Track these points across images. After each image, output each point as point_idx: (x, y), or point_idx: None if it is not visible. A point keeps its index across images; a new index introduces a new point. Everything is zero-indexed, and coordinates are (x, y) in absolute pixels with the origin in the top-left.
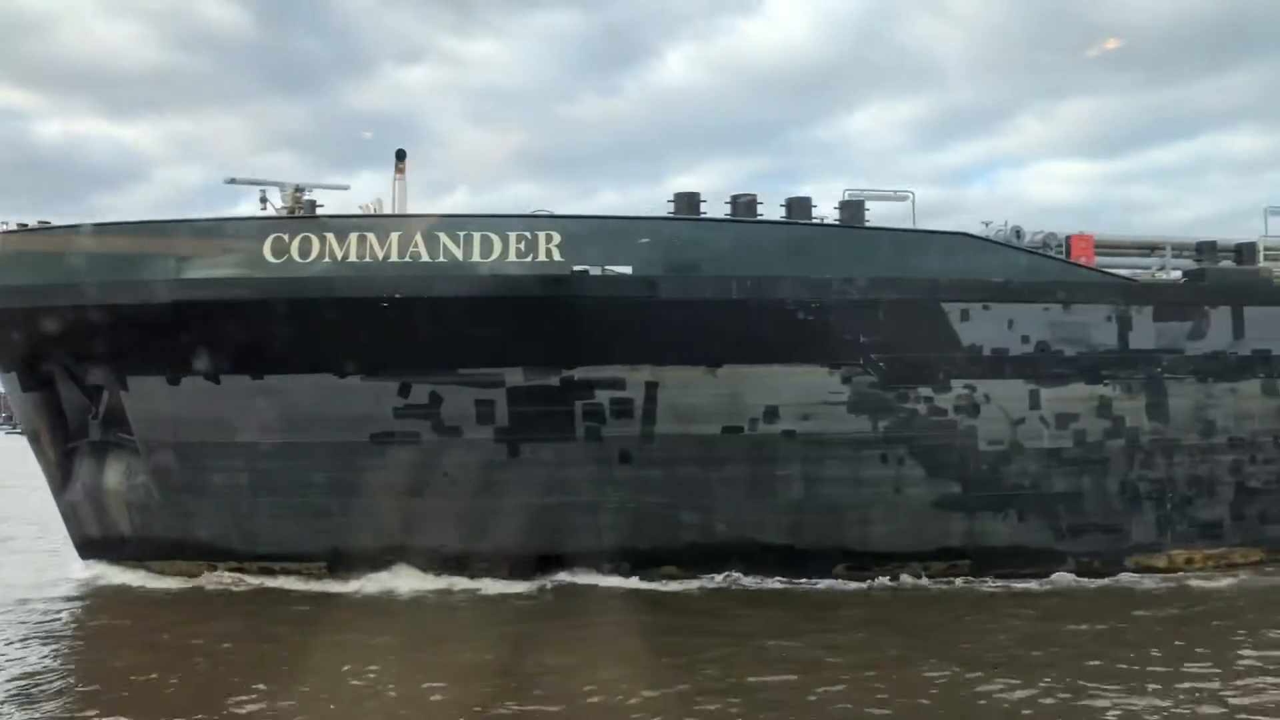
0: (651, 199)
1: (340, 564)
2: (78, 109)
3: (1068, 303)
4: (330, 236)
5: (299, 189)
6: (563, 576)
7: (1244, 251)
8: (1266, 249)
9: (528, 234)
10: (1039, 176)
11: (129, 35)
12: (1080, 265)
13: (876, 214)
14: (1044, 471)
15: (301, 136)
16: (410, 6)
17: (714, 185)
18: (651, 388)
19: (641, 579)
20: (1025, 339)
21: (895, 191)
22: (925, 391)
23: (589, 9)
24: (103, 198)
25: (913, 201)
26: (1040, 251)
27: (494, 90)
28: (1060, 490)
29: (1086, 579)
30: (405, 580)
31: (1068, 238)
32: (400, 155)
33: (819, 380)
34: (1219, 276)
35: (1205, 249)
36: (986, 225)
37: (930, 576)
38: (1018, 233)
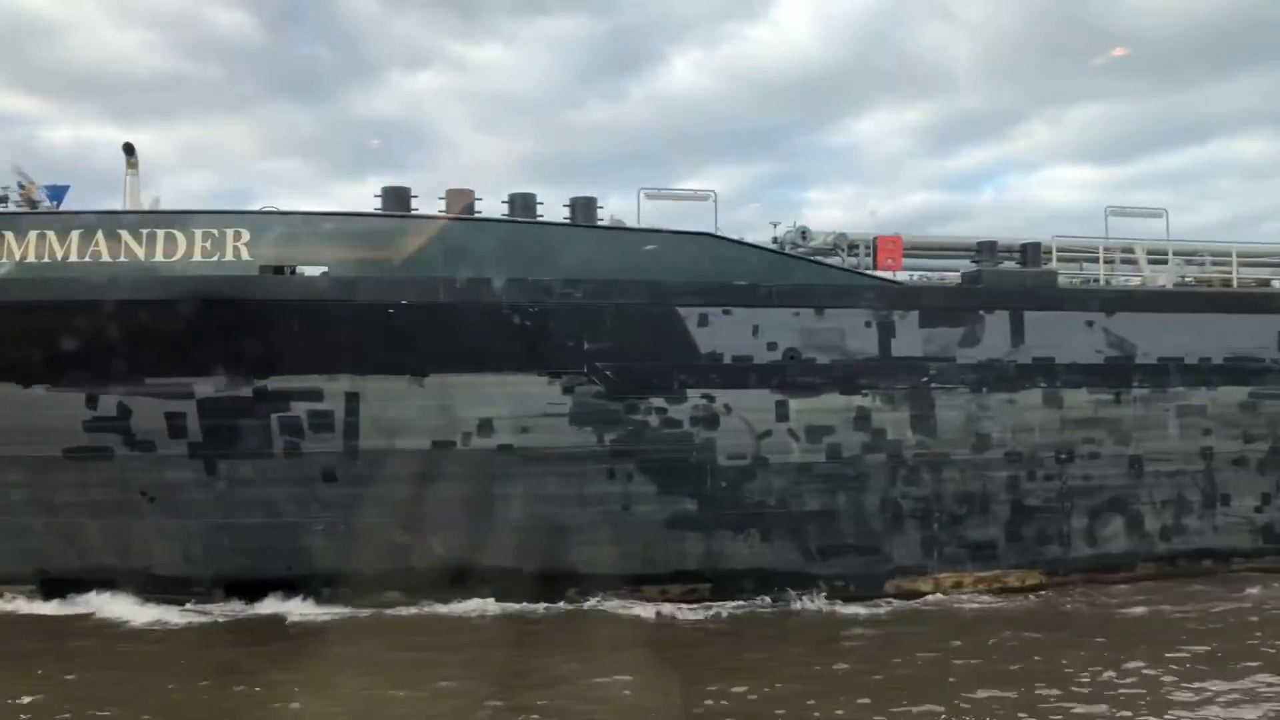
0: (658, 205)
1: (49, 587)
2: (86, 115)
3: (821, 307)
4: (9, 235)
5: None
6: (278, 604)
7: (1028, 252)
8: (1060, 250)
9: (214, 231)
10: (1047, 182)
11: (137, 42)
12: (839, 269)
13: (676, 214)
14: (792, 488)
15: (309, 142)
16: (417, 12)
17: (721, 191)
18: (352, 399)
19: (359, 606)
20: (773, 346)
21: (695, 191)
22: (657, 402)
23: (595, 15)
24: (111, 203)
25: (715, 201)
26: (792, 253)
27: (501, 96)
28: (811, 509)
29: (841, 603)
30: (120, 605)
31: (875, 239)
32: (128, 149)
33: (538, 390)
34: (996, 279)
35: (985, 249)
36: (775, 226)
37: (670, 601)
38: (804, 234)
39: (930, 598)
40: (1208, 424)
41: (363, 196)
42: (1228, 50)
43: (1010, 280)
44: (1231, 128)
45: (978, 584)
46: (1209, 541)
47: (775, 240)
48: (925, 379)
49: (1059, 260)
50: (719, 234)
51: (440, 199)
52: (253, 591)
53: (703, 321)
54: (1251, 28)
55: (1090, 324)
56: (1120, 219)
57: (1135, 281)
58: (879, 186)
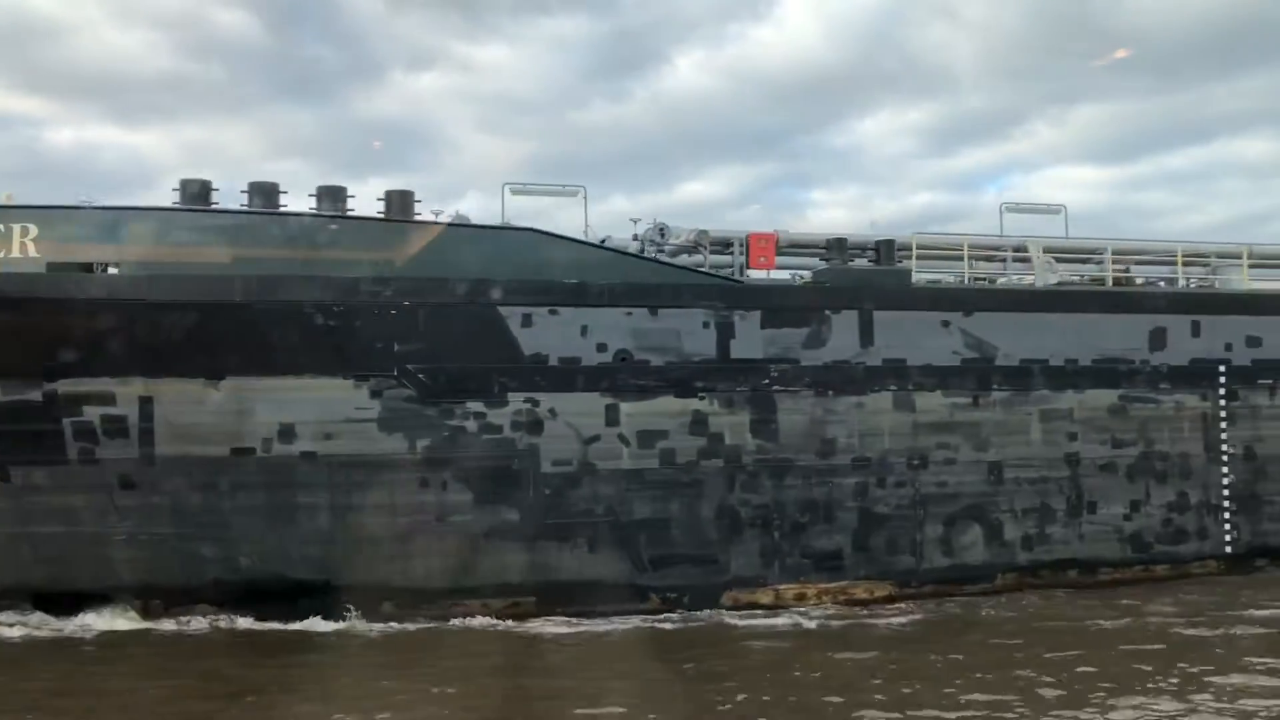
0: (662, 205)
1: None
2: (89, 116)
3: (656, 307)
4: None
5: None
6: (89, 618)
7: (882, 250)
8: (920, 248)
9: (0, 226)
10: (1050, 182)
11: (140, 43)
12: (681, 267)
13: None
14: (622, 496)
15: (312, 143)
16: (420, 13)
17: (724, 191)
18: (146, 403)
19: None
20: (602, 347)
21: (564, 185)
22: (476, 406)
23: (598, 15)
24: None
25: (584, 196)
26: (630, 251)
27: (504, 96)
28: (642, 517)
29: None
30: None
31: (748, 236)
32: None
33: (343, 394)
34: (842, 277)
35: (834, 246)
36: (635, 223)
37: (495, 616)
38: (662, 231)
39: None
40: (1074, 428)
41: (367, 198)
42: (1231, 50)
43: (860, 279)
44: (1235, 128)
45: (822, 595)
46: (1074, 551)
47: (636, 238)
48: (767, 381)
49: (972, 258)
50: (541, 229)
51: (242, 191)
52: (60, 604)
53: (526, 321)
54: (1255, 27)
55: (946, 324)
56: (1017, 215)
57: (1029, 280)
58: (882, 187)
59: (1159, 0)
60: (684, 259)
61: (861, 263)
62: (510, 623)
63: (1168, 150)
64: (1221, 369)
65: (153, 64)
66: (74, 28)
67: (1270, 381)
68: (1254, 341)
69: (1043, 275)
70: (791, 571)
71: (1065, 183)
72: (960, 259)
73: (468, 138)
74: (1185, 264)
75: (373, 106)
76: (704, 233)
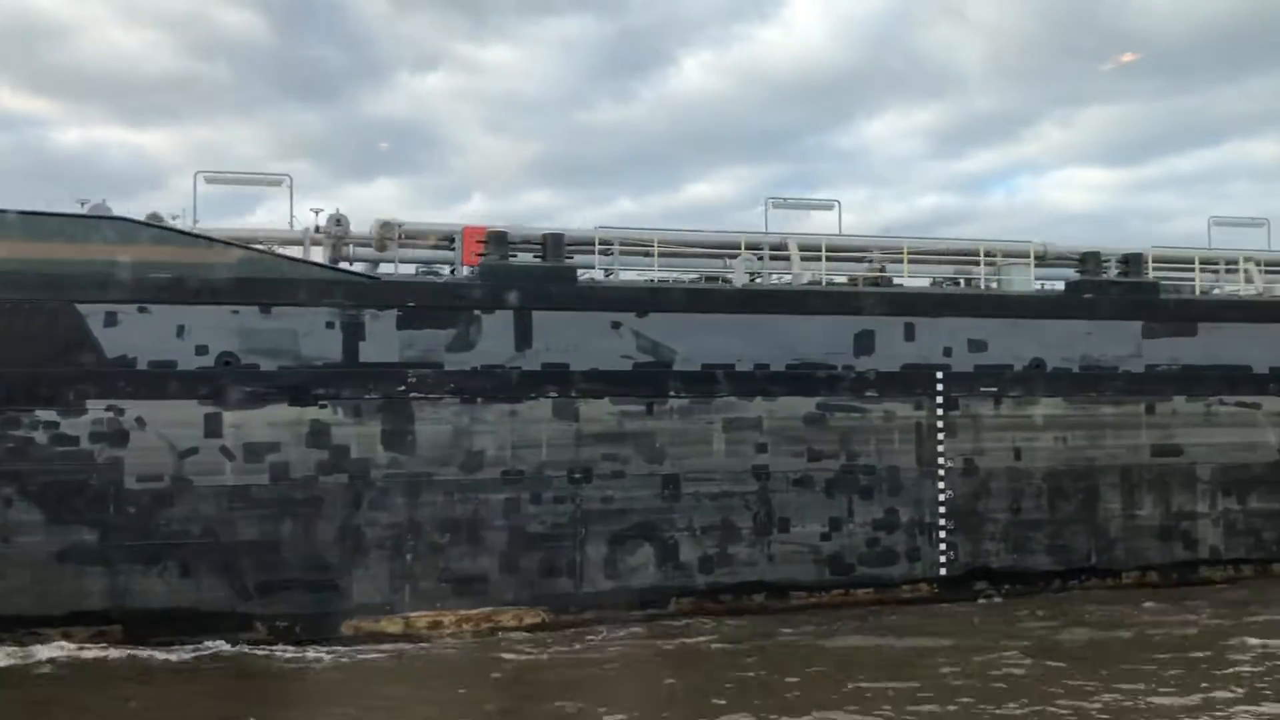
0: (667, 207)
1: None
2: (96, 116)
3: (269, 304)
4: None
5: None
6: None
7: (549, 245)
8: (570, 243)
9: None
10: (1058, 184)
11: (146, 42)
12: (308, 262)
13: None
14: (224, 515)
15: (318, 143)
16: (426, 13)
17: (730, 192)
18: None
19: None
20: (203, 349)
21: (267, 175)
22: (47, 415)
23: (605, 16)
24: (121, 205)
25: (290, 185)
26: (249, 245)
27: (510, 97)
28: (247, 538)
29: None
30: None
31: (463, 230)
32: None
33: None
34: (503, 275)
35: (493, 241)
36: (316, 214)
37: (78, 644)
38: (338, 222)
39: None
40: (763, 439)
41: (372, 199)
42: (1241, 51)
43: (518, 276)
44: (1245, 129)
45: (462, 623)
46: (761, 573)
47: (319, 230)
48: (403, 388)
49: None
50: (135, 219)
51: None
52: None
53: (111, 320)
54: (1265, 29)
55: (617, 326)
56: (783, 211)
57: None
58: (889, 188)
59: (1168, 2)
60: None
61: (526, 260)
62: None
63: (1177, 152)
64: (939, 375)
65: (159, 64)
66: (80, 28)
67: (995, 389)
68: (978, 345)
69: (797, 275)
70: (426, 597)
71: (1073, 185)
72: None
73: (473, 138)
74: (963, 263)
75: (379, 107)
76: (390, 225)
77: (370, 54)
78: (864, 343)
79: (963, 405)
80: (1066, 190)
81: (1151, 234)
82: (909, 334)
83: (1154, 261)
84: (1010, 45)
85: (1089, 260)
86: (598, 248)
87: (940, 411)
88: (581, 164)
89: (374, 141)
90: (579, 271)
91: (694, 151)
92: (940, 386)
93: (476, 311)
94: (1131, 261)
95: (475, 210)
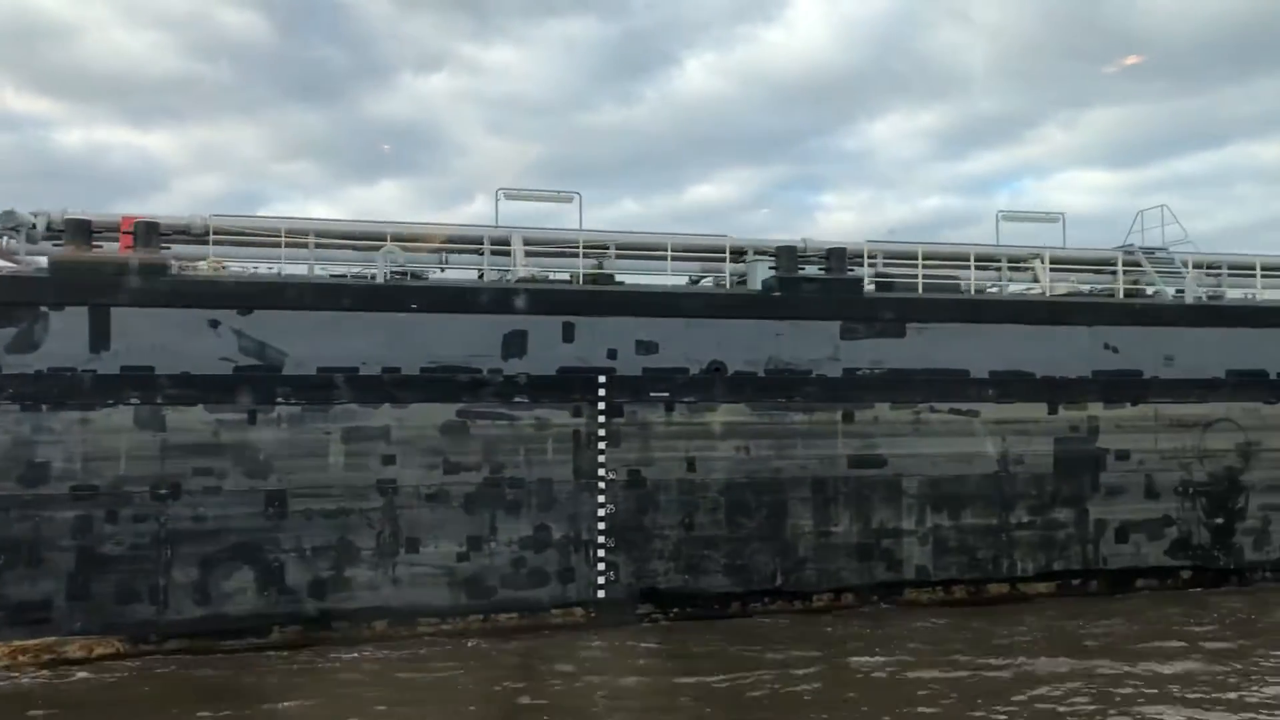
0: (672, 208)
1: None
2: (99, 117)
3: None
4: None
5: None
6: None
7: (139, 232)
8: (171, 231)
9: None
10: (1062, 186)
11: (149, 43)
12: None
13: None
14: None
15: (320, 145)
16: (429, 14)
17: (734, 194)
18: None
19: None
20: None
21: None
22: None
23: (608, 17)
24: (125, 206)
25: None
26: None
27: (513, 98)
28: None
29: None
30: None
31: (120, 219)
32: None
33: None
34: (63, 270)
35: (141, 230)
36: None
37: None
38: (9, 215)
39: None
40: (391, 450)
41: (376, 199)
42: (1246, 53)
43: (93, 269)
44: (1250, 131)
45: (17, 655)
46: (385, 598)
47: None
48: None
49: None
50: None
51: None
52: None
53: None
54: (1270, 30)
55: (216, 325)
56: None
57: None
58: (893, 190)
59: (1172, 2)
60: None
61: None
62: None
63: (1181, 154)
64: (602, 380)
65: (162, 65)
66: (82, 28)
67: (666, 394)
68: (647, 347)
69: (514, 272)
70: None
71: (1078, 187)
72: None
73: (476, 140)
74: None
75: (382, 108)
76: (9, 214)
77: (373, 55)
78: (515, 344)
79: (628, 412)
80: (1071, 192)
81: (1157, 237)
82: (567, 334)
83: (924, 259)
84: (1014, 47)
85: (784, 255)
86: (213, 237)
87: (602, 419)
88: (584, 166)
89: (377, 143)
90: (176, 264)
91: (697, 153)
92: (602, 392)
93: (44, 308)
94: (834, 256)
95: (479, 211)
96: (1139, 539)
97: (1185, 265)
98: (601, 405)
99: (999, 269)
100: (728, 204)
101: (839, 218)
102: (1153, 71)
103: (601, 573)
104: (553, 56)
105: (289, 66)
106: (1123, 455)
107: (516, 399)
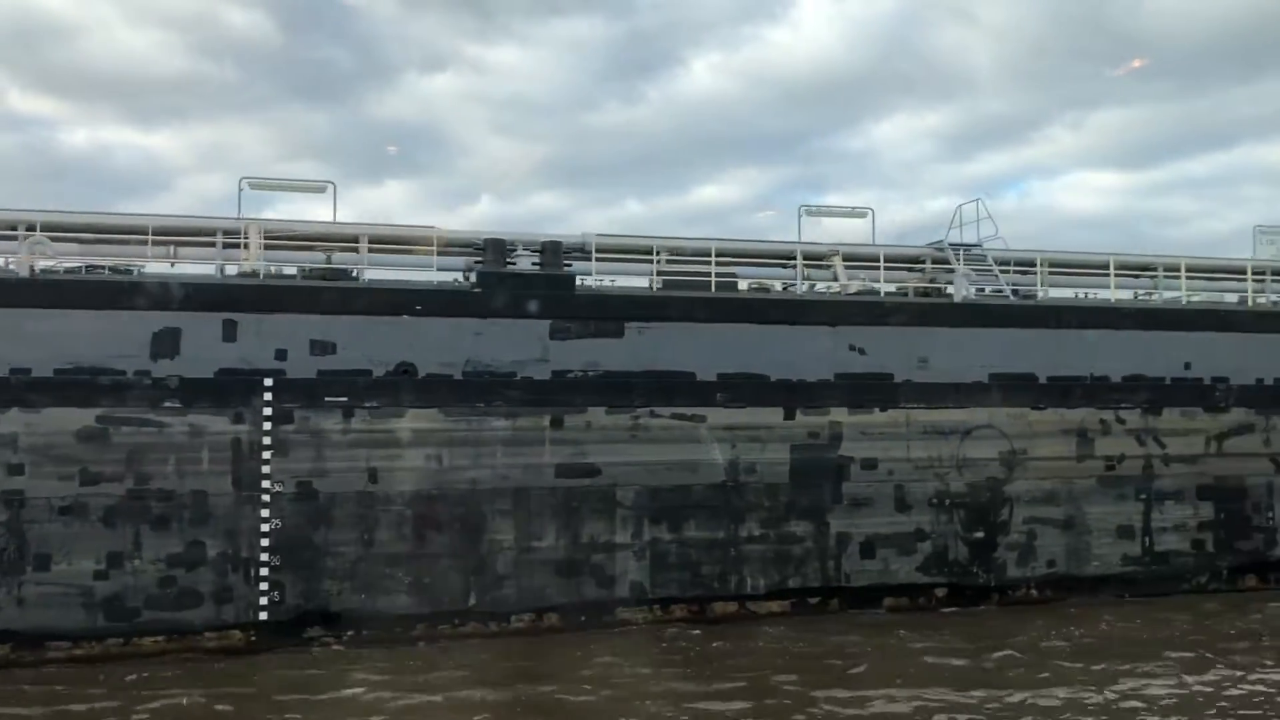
0: (676, 209)
1: None
2: (103, 116)
3: None
4: None
5: None
6: None
7: None
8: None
9: None
10: (1069, 187)
11: (154, 43)
12: None
13: None
14: None
15: (325, 145)
16: (434, 14)
17: (739, 194)
18: None
19: None
20: None
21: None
22: None
23: (613, 17)
24: (128, 206)
25: None
26: None
27: (518, 98)
28: None
29: None
30: None
31: None
32: None
33: None
34: None
35: None
36: None
37: None
38: None
39: None
40: (19, 459)
41: (380, 200)
42: (1253, 54)
43: None
44: (1258, 132)
45: None
46: (9, 620)
47: None
48: None
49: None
50: None
51: None
52: None
53: None
54: (1276, 31)
55: None
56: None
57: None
58: (899, 191)
59: (1179, 3)
60: None
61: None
62: None
63: (1188, 156)
64: (268, 383)
65: (166, 64)
66: (86, 28)
67: (345, 399)
68: (324, 347)
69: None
70: None
71: (1085, 188)
72: None
73: (481, 140)
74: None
75: (386, 108)
76: None
77: (378, 55)
78: (165, 343)
79: (299, 418)
80: (1077, 193)
81: (1162, 238)
82: (229, 333)
83: (719, 256)
84: (1020, 48)
85: (491, 248)
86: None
87: (268, 426)
88: (588, 166)
89: (382, 143)
90: None
91: (702, 154)
92: (269, 396)
93: None
94: (548, 250)
95: (484, 213)
96: (887, 554)
97: (994, 263)
98: (268, 411)
99: (794, 266)
100: (733, 205)
101: (842, 219)
102: (1160, 73)
103: (264, 593)
104: (558, 56)
105: (294, 66)
106: (869, 464)
107: (166, 403)
